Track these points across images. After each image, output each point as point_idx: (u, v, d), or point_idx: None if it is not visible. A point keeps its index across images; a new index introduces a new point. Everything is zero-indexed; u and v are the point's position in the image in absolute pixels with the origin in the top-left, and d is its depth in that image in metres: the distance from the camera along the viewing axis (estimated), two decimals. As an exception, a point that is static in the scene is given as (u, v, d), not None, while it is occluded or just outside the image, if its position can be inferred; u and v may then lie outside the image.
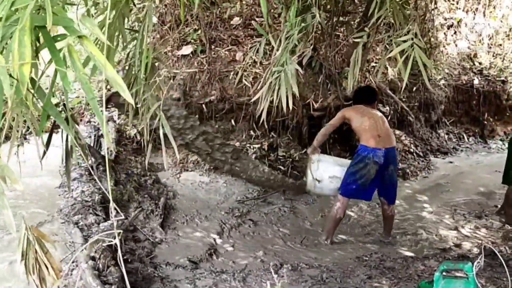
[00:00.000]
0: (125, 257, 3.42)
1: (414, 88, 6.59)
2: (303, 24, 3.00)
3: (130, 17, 5.37)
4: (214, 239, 3.98)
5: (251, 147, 5.32)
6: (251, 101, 4.08)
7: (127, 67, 2.92)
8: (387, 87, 6.03)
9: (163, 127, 2.31)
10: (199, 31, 5.49)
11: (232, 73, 5.30)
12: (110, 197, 1.29)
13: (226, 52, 5.47)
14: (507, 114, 7.41)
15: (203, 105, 5.33)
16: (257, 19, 5.73)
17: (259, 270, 3.48)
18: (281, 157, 5.35)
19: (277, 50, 3.08)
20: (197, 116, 5.37)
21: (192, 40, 5.51)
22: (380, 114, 4.14)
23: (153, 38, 5.78)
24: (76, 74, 1.15)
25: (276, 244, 4.05)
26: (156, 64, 2.80)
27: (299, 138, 5.63)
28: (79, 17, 1.37)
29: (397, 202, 4.91)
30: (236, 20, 5.56)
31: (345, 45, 5.62)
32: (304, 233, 4.27)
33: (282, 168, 5.21)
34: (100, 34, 1.15)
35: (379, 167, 3.93)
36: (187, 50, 5.36)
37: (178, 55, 5.50)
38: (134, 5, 2.52)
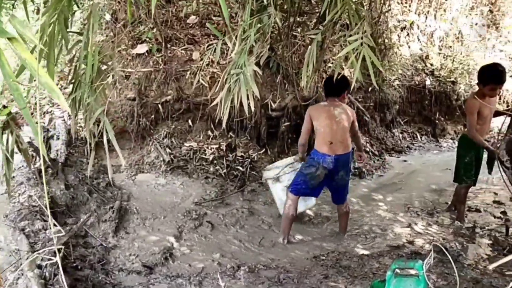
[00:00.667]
0: (75, 264, 3.29)
1: (370, 89, 6.72)
2: (259, 25, 2.97)
3: (82, 17, 5.20)
4: (170, 243, 3.90)
5: (209, 148, 5.26)
6: (211, 105, 4.02)
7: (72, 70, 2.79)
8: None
9: (107, 132, 2.22)
10: (154, 30, 5.38)
11: (188, 72, 5.22)
12: (48, 210, 1.20)
13: (183, 51, 5.39)
14: (457, 114, 7.68)
15: (159, 105, 5.23)
16: (214, 18, 5.67)
17: (215, 273, 3.44)
18: (239, 158, 5.32)
19: (234, 51, 3.03)
20: (153, 116, 5.28)
21: (147, 39, 5.38)
22: (340, 110, 4.02)
23: (106, 36, 5.62)
24: (5, 80, 1.06)
25: (233, 246, 4.01)
26: (103, 67, 2.69)
27: (258, 138, 5.62)
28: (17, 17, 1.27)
29: (353, 200, 5.01)
30: (192, 19, 5.49)
31: (302, 45, 5.65)
32: (262, 234, 4.26)
33: (240, 168, 5.18)
34: (31, 36, 1.07)
35: (328, 172, 4.00)
36: (142, 49, 5.23)
37: (133, 54, 5.36)
38: (78, 6, 2.38)
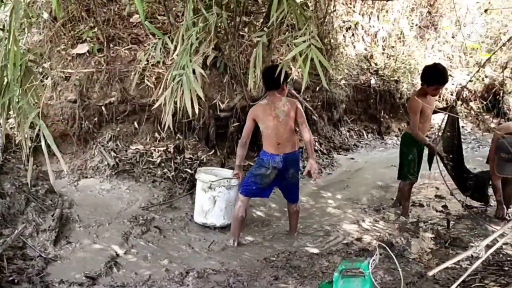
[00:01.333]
0: (11, 278, 3.09)
1: (317, 88, 6.80)
2: (201, 24, 2.90)
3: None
4: (115, 251, 3.74)
5: (156, 150, 5.11)
6: (155, 106, 3.89)
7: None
8: (292, 87, 6.15)
9: (44, 137, 2.08)
10: (96, 29, 5.16)
11: (133, 73, 5.05)
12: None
13: (126, 51, 5.21)
14: (400, 111, 7.96)
15: (103, 107, 5.02)
16: (159, 17, 5.53)
17: (163, 280, 3.34)
18: (188, 160, 5.21)
19: (175, 51, 2.94)
20: (96, 118, 5.06)
21: (88, 38, 5.16)
22: (282, 108, 3.96)
23: (45, 35, 5.35)
24: None
25: (182, 251, 3.91)
26: (35, 67, 2.52)
27: (206, 139, 5.53)
28: None
29: (303, 199, 5.04)
30: (136, 18, 5.31)
31: (249, 45, 5.62)
32: (212, 237, 4.18)
33: (189, 171, 5.07)
34: None
35: (278, 171, 4.03)
36: (82, 48, 5.00)
37: (73, 54, 5.13)
38: (2, 1, 2.20)
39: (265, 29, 3.57)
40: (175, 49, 2.97)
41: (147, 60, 5.09)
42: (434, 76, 4.36)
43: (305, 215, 4.75)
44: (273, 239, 4.29)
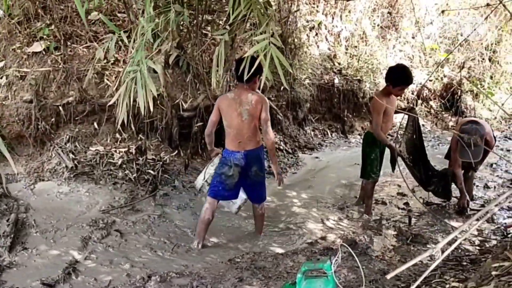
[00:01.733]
0: (-40, 289, 2.92)
1: (282, 88, 6.81)
2: (157, 20, 2.83)
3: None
4: (74, 256, 3.60)
5: (117, 151, 4.98)
6: (110, 102, 3.77)
7: None
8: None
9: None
10: (53, 26, 4.97)
11: (92, 72, 4.89)
12: None
13: (85, 50, 5.04)
14: (363, 110, 8.08)
15: (60, 107, 4.84)
16: (118, 14, 5.39)
17: (124, 285, 3.24)
18: (150, 160, 5.11)
19: (133, 47, 2.86)
20: (53, 119, 4.88)
21: (44, 36, 4.96)
22: (247, 107, 3.86)
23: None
24: None
25: (144, 255, 3.81)
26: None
27: (169, 139, 5.44)
28: None
29: (268, 198, 5.02)
30: (94, 15, 5.15)
31: (213, 44, 5.57)
32: (176, 240, 4.10)
33: (151, 172, 4.97)
34: None
35: (241, 169, 3.98)
36: (38, 47, 4.81)
37: (29, 52, 4.92)
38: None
39: (227, 27, 3.51)
40: (133, 46, 2.89)
41: (107, 59, 4.95)
42: (400, 76, 4.44)
43: (270, 215, 4.73)
44: (238, 240, 4.25)
